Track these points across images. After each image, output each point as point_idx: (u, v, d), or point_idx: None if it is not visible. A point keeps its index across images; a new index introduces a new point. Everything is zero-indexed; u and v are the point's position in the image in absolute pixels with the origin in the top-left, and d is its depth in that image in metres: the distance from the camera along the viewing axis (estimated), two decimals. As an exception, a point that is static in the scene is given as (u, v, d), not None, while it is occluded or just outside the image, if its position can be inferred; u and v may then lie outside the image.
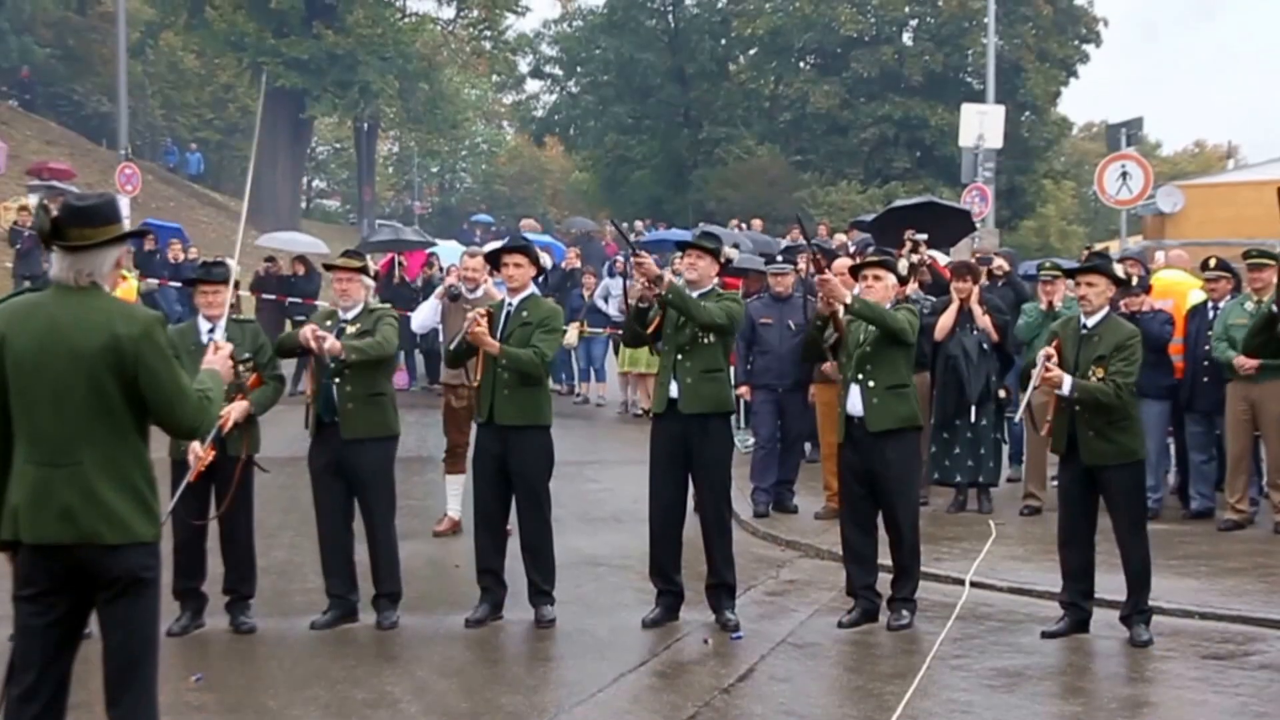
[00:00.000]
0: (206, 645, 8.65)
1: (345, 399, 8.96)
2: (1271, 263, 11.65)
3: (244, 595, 8.96)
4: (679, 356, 9.02)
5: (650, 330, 9.15)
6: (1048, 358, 8.54)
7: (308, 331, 8.86)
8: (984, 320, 12.67)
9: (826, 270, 9.08)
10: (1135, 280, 12.31)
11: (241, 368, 8.67)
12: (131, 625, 5.11)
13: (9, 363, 5.04)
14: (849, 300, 8.87)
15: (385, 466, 9.16)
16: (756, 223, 29.55)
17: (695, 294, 9.04)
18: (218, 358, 5.69)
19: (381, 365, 9.14)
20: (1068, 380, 8.48)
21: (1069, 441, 8.70)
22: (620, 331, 18.69)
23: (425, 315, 12.35)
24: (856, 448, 9.11)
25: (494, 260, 9.64)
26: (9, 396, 5.06)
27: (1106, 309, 8.77)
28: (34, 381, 5.01)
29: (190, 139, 55.41)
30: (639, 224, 34.35)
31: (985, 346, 12.63)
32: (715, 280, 9.23)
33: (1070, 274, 8.77)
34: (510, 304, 9.21)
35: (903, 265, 9.41)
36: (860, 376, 9.05)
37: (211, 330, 8.73)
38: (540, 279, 9.65)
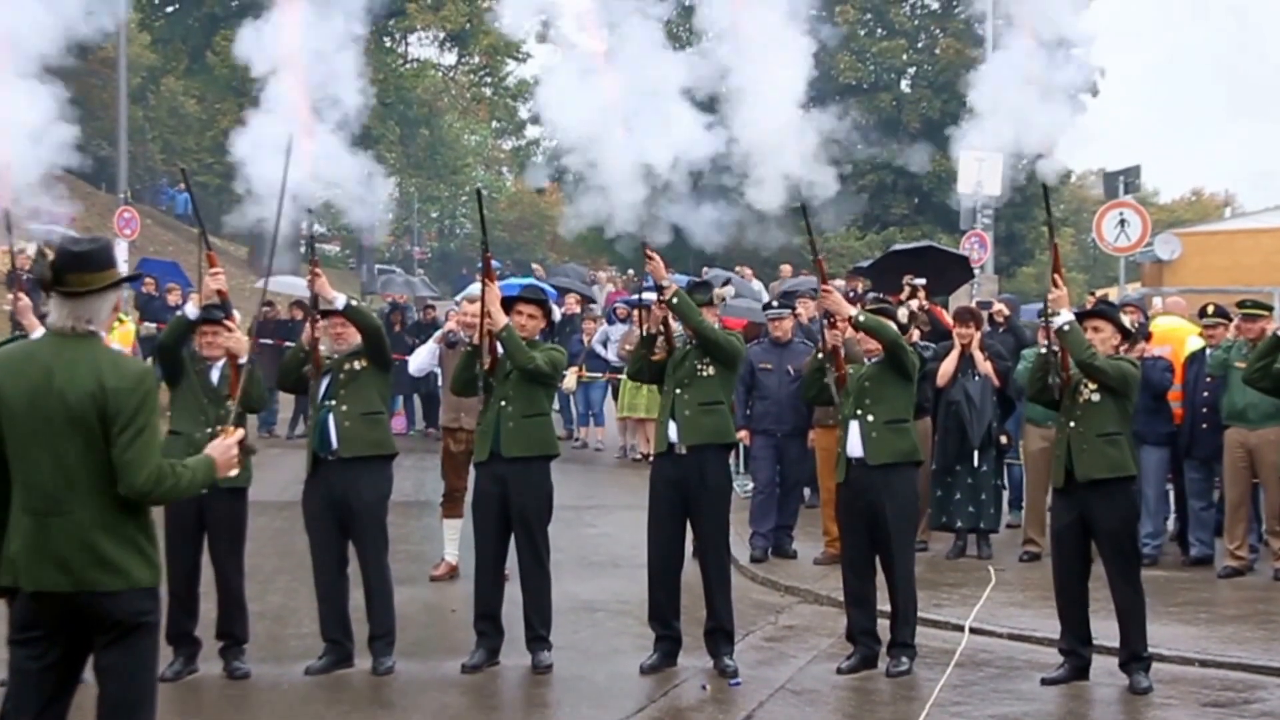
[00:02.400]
0: (200, 691, 8.60)
1: (342, 418, 8.97)
2: (1265, 313, 11.70)
3: (238, 640, 8.90)
4: (678, 390, 9.04)
5: (655, 359, 9.16)
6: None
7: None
8: (985, 366, 12.67)
9: (829, 282, 9.11)
10: (1135, 327, 12.36)
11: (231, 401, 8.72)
12: (128, 671, 5.08)
13: (4, 411, 5.03)
14: (853, 313, 8.91)
15: (379, 495, 9.15)
16: (786, 268, 29.32)
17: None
18: (222, 444, 5.48)
19: (376, 386, 9.15)
20: (1067, 312, 8.59)
21: (1066, 477, 8.70)
22: (619, 376, 18.70)
23: (423, 358, 12.32)
24: (855, 488, 9.09)
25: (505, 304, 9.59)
26: (4, 444, 5.05)
27: (1110, 354, 8.79)
28: (28, 430, 5.00)
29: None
30: (628, 275, 33.93)
31: (988, 392, 12.64)
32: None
33: (1077, 317, 8.79)
34: None
35: (903, 314, 9.43)
36: (859, 412, 9.05)
37: (210, 368, 8.79)
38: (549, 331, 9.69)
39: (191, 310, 8.70)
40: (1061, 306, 8.59)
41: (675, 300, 8.89)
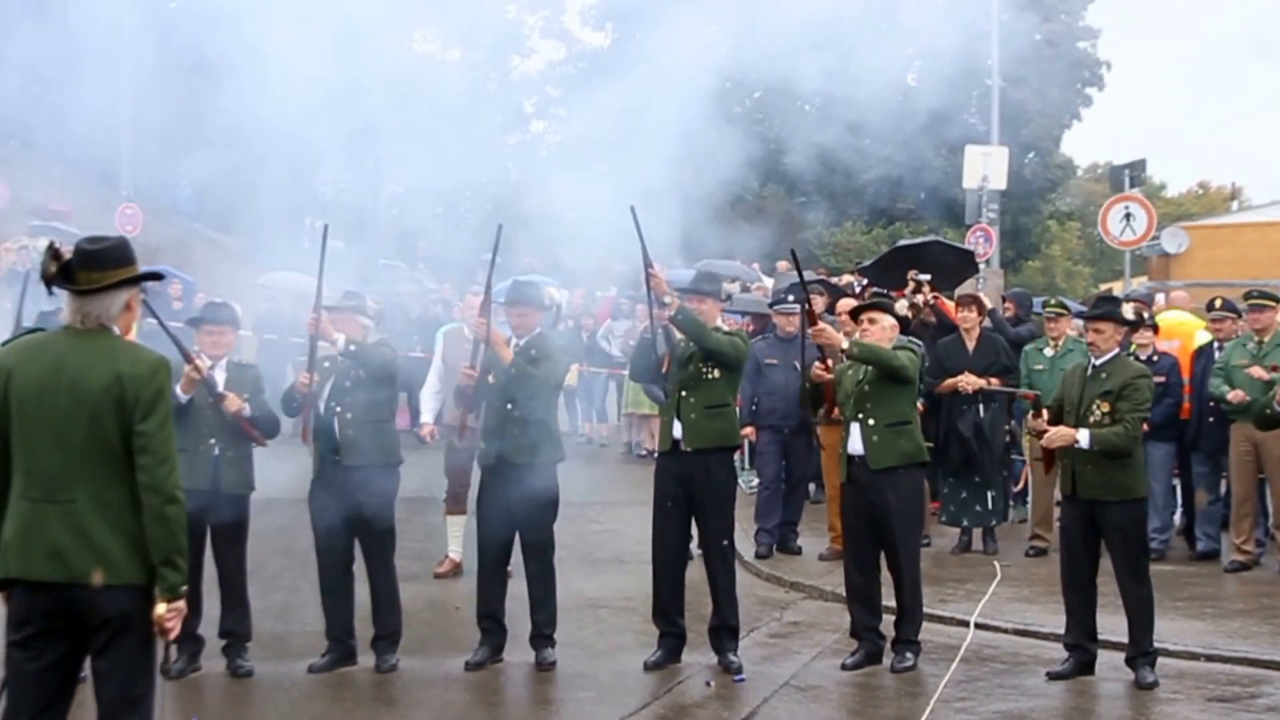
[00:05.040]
0: (203, 689, 8.58)
1: (345, 426, 8.92)
2: (1272, 303, 11.67)
3: (241, 638, 8.88)
4: (683, 393, 9.00)
5: (662, 370, 9.15)
6: (1039, 433, 8.71)
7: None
8: (992, 383, 12.57)
9: (819, 320, 9.12)
10: (1144, 317, 12.38)
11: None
12: (125, 670, 5.06)
13: (13, 398, 5.05)
14: (846, 345, 8.87)
15: (386, 499, 9.11)
16: (782, 264, 29.19)
17: None
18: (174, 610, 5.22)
19: (381, 392, 9.09)
20: (1084, 433, 8.48)
21: (1072, 478, 8.68)
22: (622, 371, 18.63)
23: (430, 403, 12.41)
24: (858, 487, 9.06)
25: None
26: (11, 431, 5.05)
27: (1115, 350, 8.78)
28: (36, 417, 5.02)
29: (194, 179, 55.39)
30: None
31: (999, 424, 12.64)
32: (718, 321, 9.27)
33: (1080, 318, 8.79)
34: (517, 343, 9.19)
35: (901, 306, 9.39)
36: (860, 415, 9.01)
37: (212, 368, 8.75)
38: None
39: (181, 396, 8.48)
40: (1078, 436, 8.53)
41: (679, 317, 8.86)
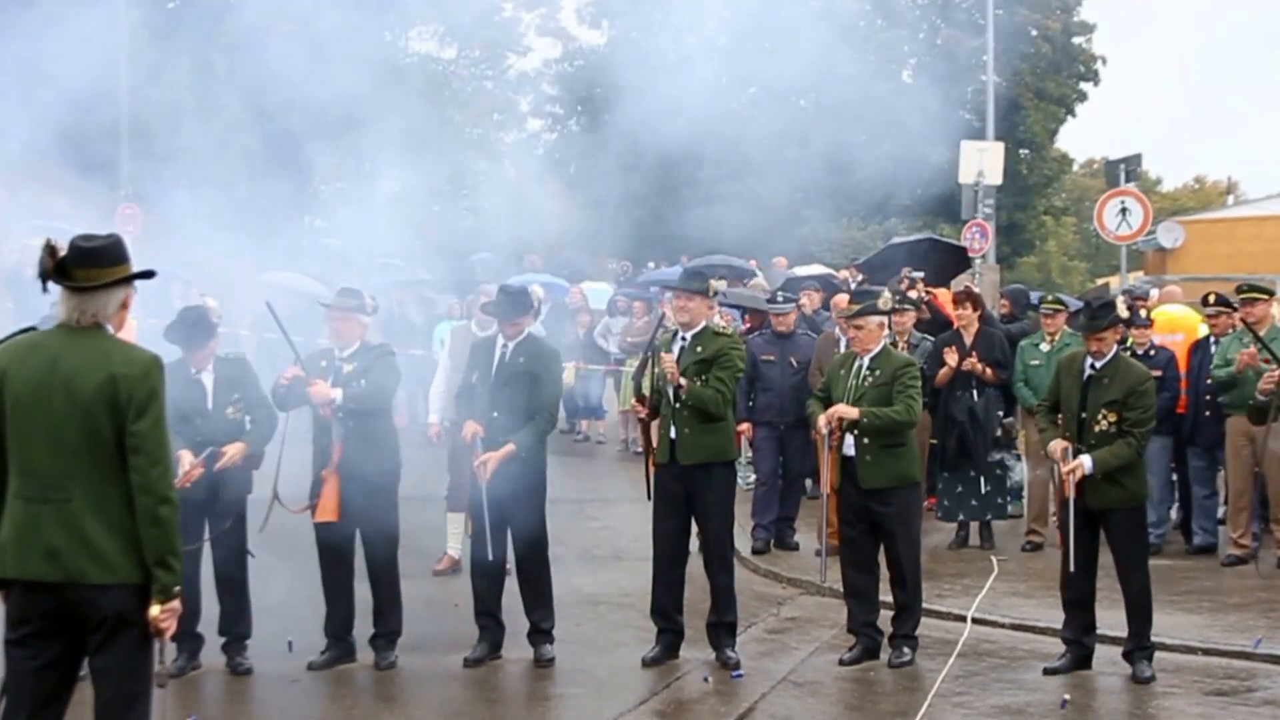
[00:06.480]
0: (203, 687, 8.60)
1: (344, 434, 8.90)
2: (1264, 297, 11.69)
3: (240, 635, 8.89)
4: (677, 405, 8.99)
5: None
6: (1066, 468, 8.56)
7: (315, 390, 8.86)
8: (987, 373, 12.60)
9: (830, 416, 9.10)
10: (1145, 314, 12.38)
11: (230, 408, 8.67)
12: (123, 668, 5.07)
13: (8, 398, 5.06)
14: (858, 418, 8.91)
15: (387, 502, 9.10)
16: (780, 260, 29.23)
17: (689, 334, 9.05)
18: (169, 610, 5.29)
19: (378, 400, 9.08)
20: (1087, 461, 8.45)
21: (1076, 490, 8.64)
22: (619, 368, 18.65)
23: (438, 401, 12.41)
24: (853, 484, 9.07)
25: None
26: (6, 431, 5.06)
27: (1115, 348, 8.75)
28: (31, 417, 5.02)
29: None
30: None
31: (993, 408, 12.66)
32: (714, 317, 9.27)
33: (1079, 330, 8.75)
34: (506, 345, 9.19)
35: (884, 301, 9.38)
36: (856, 430, 9.01)
37: (199, 373, 8.74)
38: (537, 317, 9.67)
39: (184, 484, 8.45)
40: (1083, 465, 8.49)
41: (688, 400, 8.90)
